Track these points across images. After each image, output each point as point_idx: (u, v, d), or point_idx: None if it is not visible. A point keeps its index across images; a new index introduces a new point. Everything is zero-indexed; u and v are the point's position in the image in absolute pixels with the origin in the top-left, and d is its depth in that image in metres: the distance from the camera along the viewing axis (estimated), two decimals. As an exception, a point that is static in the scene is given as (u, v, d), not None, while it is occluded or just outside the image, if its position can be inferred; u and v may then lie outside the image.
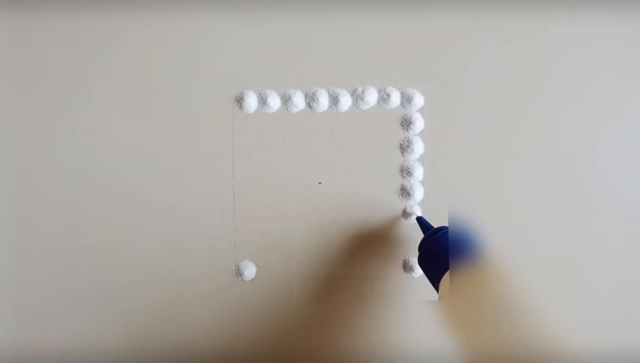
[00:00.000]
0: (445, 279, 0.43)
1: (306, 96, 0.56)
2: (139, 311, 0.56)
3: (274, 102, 0.56)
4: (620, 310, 0.56)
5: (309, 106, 0.56)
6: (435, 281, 0.46)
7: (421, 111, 0.56)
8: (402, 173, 0.56)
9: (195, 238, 0.56)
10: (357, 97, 0.56)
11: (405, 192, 0.56)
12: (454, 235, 0.44)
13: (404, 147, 0.56)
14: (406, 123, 0.56)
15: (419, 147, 0.56)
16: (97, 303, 0.56)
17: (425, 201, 0.56)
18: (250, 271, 0.56)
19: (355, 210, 0.56)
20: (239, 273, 0.56)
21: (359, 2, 0.56)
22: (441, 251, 0.46)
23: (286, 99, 0.56)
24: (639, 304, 0.56)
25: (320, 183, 0.56)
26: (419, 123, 0.56)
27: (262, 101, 0.56)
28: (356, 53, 0.56)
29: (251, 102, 0.56)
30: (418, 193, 0.56)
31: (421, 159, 0.56)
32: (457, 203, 0.49)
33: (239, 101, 0.56)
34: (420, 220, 0.53)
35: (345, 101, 0.56)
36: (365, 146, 0.56)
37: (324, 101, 0.56)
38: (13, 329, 0.56)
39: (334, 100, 0.56)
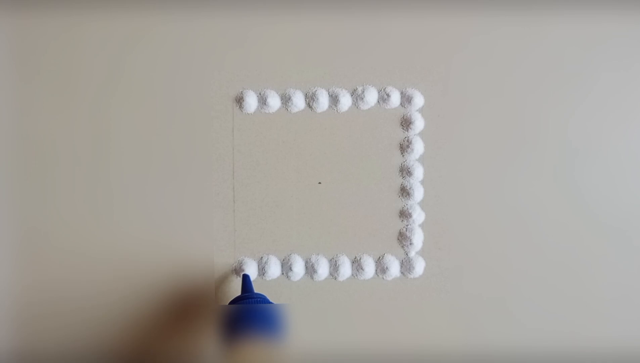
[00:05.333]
0: (244, 347, 0.44)
1: (306, 96, 0.56)
2: (139, 311, 0.56)
3: (274, 102, 0.56)
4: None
5: (309, 106, 0.56)
6: (228, 341, 0.45)
7: (421, 111, 0.56)
8: (402, 173, 0.56)
9: (195, 238, 0.56)
10: (357, 97, 0.56)
11: (405, 192, 0.56)
12: (266, 311, 0.47)
13: (404, 147, 0.56)
14: (406, 123, 0.56)
15: (419, 147, 0.56)
16: (97, 303, 0.56)
17: (425, 201, 0.56)
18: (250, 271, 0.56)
19: (355, 210, 0.56)
20: (238, 272, 0.56)
21: (359, 2, 0.56)
22: (250, 321, 0.46)
23: (286, 99, 0.56)
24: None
25: (320, 183, 0.56)
26: (419, 123, 0.56)
27: (262, 101, 0.56)
28: (356, 53, 0.56)
29: (251, 102, 0.56)
30: (418, 193, 0.56)
31: (421, 159, 0.56)
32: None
33: (239, 101, 0.56)
34: (245, 279, 0.52)
35: (345, 101, 0.56)
36: (365, 146, 0.56)
37: (324, 101, 0.56)
38: (13, 329, 0.56)
39: (334, 100, 0.56)
